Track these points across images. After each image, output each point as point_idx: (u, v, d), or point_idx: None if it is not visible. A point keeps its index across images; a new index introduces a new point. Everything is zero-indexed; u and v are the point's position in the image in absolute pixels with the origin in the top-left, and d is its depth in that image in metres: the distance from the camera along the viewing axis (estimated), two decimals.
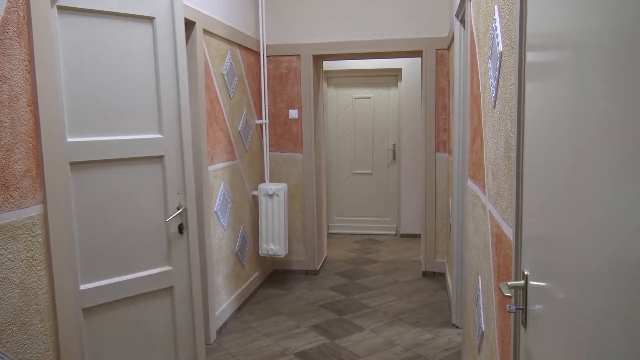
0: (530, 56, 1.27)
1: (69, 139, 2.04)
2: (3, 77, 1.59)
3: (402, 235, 6.30)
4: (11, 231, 1.62)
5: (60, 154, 1.86)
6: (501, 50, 1.70)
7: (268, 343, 3.43)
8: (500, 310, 1.71)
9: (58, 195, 1.84)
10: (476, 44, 2.39)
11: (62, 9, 1.98)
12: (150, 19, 2.27)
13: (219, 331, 3.58)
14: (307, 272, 4.92)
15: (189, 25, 3.16)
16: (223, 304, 3.69)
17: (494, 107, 1.84)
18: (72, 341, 1.92)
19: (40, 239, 1.76)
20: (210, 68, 3.47)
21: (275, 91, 4.76)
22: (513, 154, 1.45)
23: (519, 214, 1.38)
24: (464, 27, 3.13)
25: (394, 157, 6.37)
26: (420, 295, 4.33)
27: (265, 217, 4.28)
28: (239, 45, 4.06)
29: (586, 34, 0.86)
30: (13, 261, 1.63)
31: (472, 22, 2.53)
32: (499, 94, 1.75)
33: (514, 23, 1.48)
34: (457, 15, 3.34)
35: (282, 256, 4.39)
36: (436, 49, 4.54)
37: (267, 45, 4.63)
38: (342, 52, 4.68)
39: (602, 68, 0.78)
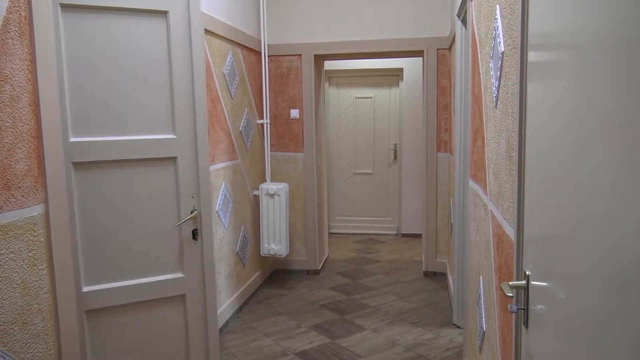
0: (531, 56, 1.27)
1: (72, 139, 2.02)
2: (5, 77, 1.59)
3: (403, 235, 6.29)
4: (13, 230, 1.62)
5: (62, 154, 1.86)
6: (503, 50, 1.70)
7: (269, 343, 3.43)
8: (501, 310, 1.71)
9: (60, 195, 1.84)
10: (477, 44, 2.39)
11: (66, 6, 1.97)
12: (164, 13, 2.15)
13: (220, 331, 3.58)
14: (308, 272, 4.92)
15: None
16: (224, 304, 3.69)
17: (496, 106, 1.83)
18: (74, 341, 1.91)
19: (42, 239, 1.76)
20: (212, 68, 3.48)
21: (277, 91, 4.76)
22: (515, 154, 1.45)
23: (520, 213, 1.38)
24: (466, 27, 3.13)
25: (395, 156, 6.36)
26: (421, 295, 4.32)
27: (266, 217, 4.28)
28: (240, 45, 4.06)
29: (588, 33, 0.86)
30: (14, 260, 1.63)
31: (474, 21, 2.53)
32: (500, 94, 1.75)
33: (515, 23, 1.48)
34: (458, 15, 3.33)
35: (283, 256, 4.39)
36: (437, 49, 4.54)
37: (268, 44, 4.63)
38: (343, 51, 4.68)
39: (603, 68, 0.78)
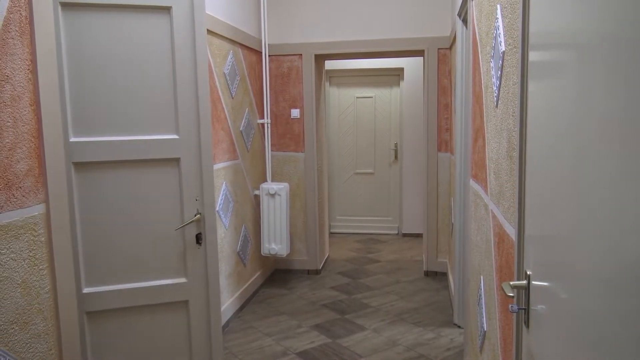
0: (532, 55, 1.27)
1: (73, 139, 2.02)
2: (5, 77, 1.59)
3: (404, 235, 6.29)
4: (13, 230, 1.62)
5: (62, 154, 1.85)
6: (504, 49, 1.69)
7: (270, 342, 3.43)
8: (502, 310, 1.71)
9: (60, 195, 1.83)
10: (478, 43, 2.39)
11: (66, 5, 1.96)
12: (167, 9, 2.10)
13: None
14: (308, 272, 4.92)
15: None
16: (225, 304, 3.69)
17: (497, 106, 1.83)
18: (75, 341, 1.91)
19: (43, 239, 1.76)
20: (213, 67, 3.48)
21: (277, 91, 4.76)
22: (515, 154, 1.45)
23: (521, 213, 1.38)
24: (466, 27, 3.12)
25: (395, 156, 6.36)
26: (422, 294, 4.32)
27: (267, 217, 4.28)
28: (241, 45, 4.06)
29: (589, 33, 0.85)
30: (15, 260, 1.63)
31: (475, 21, 2.53)
32: (501, 93, 1.74)
33: (516, 22, 1.48)
34: (459, 15, 3.33)
35: (284, 256, 4.39)
36: (438, 49, 4.53)
37: (269, 44, 4.63)
38: (344, 51, 4.68)
39: (604, 67, 0.77)
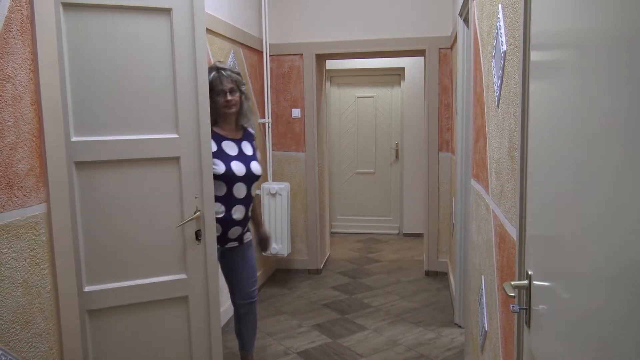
0: (534, 55, 1.27)
1: (74, 139, 2.01)
2: (7, 76, 1.59)
3: (405, 235, 6.29)
4: (14, 230, 1.62)
5: (64, 154, 1.86)
6: (505, 49, 1.69)
7: (270, 342, 3.43)
8: (503, 310, 1.71)
9: (61, 195, 1.84)
10: (479, 43, 2.38)
11: (67, 5, 1.96)
12: (167, 11, 2.11)
13: (222, 330, 3.58)
14: (309, 272, 4.92)
15: None
16: (226, 303, 3.69)
17: (498, 106, 1.83)
18: (76, 340, 1.92)
19: (44, 238, 1.76)
20: None
21: (278, 90, 4.76)
22: (517, 153, 1.45)
23: (522, 213, 1.38)
24: (467, 26, 3.12)
25: (396, 156, 6.36)
26: (423, 294, 4.32)
27: (267, 217, 4.29)
28: (242, 45, 4.06)
29: (590, 32, 0.85)
30: (16, 260, 1.63)
31: (476, 21, 2.53)
32: (502, 93, 1.74)
33: (518, 22, 1.48)
34: (460, 15, 3.33)
35: (285, 255, 4.40)
36: (439, 48, 4.53)
37: (270, 44, 4.63)
38: (344, 51, 4.68)
39: (606, 67, 0.77)
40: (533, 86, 1.27)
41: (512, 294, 1.29)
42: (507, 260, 1.64)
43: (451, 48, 4.38)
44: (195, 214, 2.26)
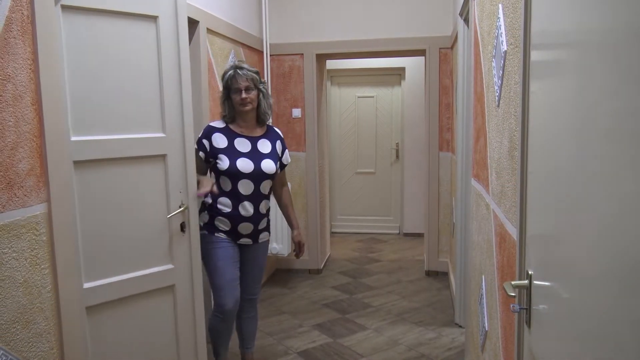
0: (534, 55, 1.27)
1: (73, 138, 2.03)
2: (7, 76, 1.59)
3: (405, 235, 6.29)
4: (15, 230, 1.62)
5: (64, 153, 1.86)
6: (505, 49, 1.69)
7: (271, 342, 3.44)
8: (504, 310, 1.71)
9: (62, 194, 1.84)
10: (480, 43, 2.38)
11: (66, 7, 1.98)
12: (154, 18, 2.25)
13: None
14: (310, 271, 4.92)
15: (193, 24, 3.16)
16: None
17: (498, 106, 1.83)
18: (76, 339, 1.92)
19: (44, 238, 1.77)
20: (214, 67, 3.48)
21: (279, 90, 4.76)
22: (517, 153, 1.45)
23: (522, 213, 1.38)
24: (468, 26, 3.12)
25: (397, 156, 6.36)
26: (423, 294, 4.32)
27: None
28: (242, 44, 4.06)
29: (591, 32, 0.85)
30: (17, 260, 1.64)
31: (476, 21, 2.53)
32: (503, 93, 1.74)
33: (518, 22, 1.48)
34: (460, 14, 3.33)
35: (285, 255, 4.40)
36: (439, 48, 4.53)
37: (270, 44, 4.63)
38: (345, 51, 4.68)
39: (606, 67, 0.77)
40: (533, 86, 1.27)
41: (513, 294, 1.29)
42: (507, 260, 1.64)
43: (451, 48, 4.38)
44: (180, 207, 2.42)
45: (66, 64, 1.99)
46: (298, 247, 2.91)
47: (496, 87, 1.86)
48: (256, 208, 2.66)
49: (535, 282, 1.22)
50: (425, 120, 4.73)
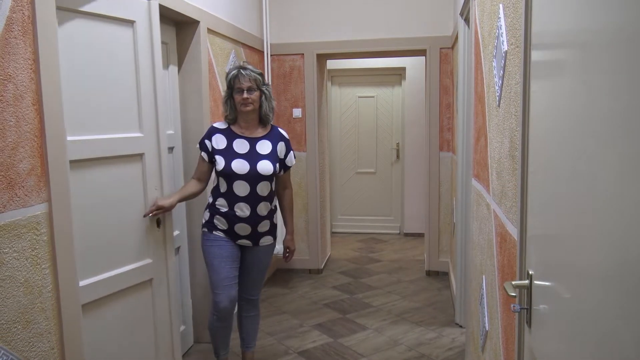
0: (535, 55, 1.27)
1: (69, 138, 2.04)
2: (8, 76, 1.59)
3: (406, 235, 6.29)
4: (16, 230, 1.62)
5: (64, 153, 1.86)
6: (506, 49, 1.69)
7: (271, 342, 3.44)
8: (504, 310, 1.71)
9: (62, 194, 1.84)
10: (480, 43, 2.38)
11: (60, 9, 1.98)
12: (131, 22, 2.34)
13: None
14: (310, 271, 4.92)
15: (193, 24, 3.16)
16: None
17: (499, 106, 1.83)
18: (76, 339, 1.92)
19: (45, 238, 1.77)
20: (214, 67, 3.48)
21: (279, 90, 4.76)
22: (518, 153, 1.45)
23: (523, 213, 1.38)
24: (468, 26, 3.12)
25: (397, 156, 6.36)
26: (423, 294, 4.32)
27: None
28: (243, 44, 4.06)
29: (592, 32, 0.85)
30: (18, 260, 1.64)
31: (477, 20, 2.53)
32: (503, 93, 1.74)
33: (519, 22, 1.48)
34: (461, 14, 3.33)
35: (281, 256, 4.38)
36: (440, 48, 4.53)
37: (270, 44, 4.63)
38: (345, 51, 4.68)
39: (607, 67, 0.77)
40: (534, 86, 1.27)
41: (513, 294, 1.29)
42: (508, 260, 1.64)
43: (452, 48, 4.38)
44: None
45: (62, 64, 2.01)
46: (286, 252, 2.97)
47: (497, 87, 1.86)
48: (253, 209, 2.65)
49: (535, 282, 1.22)
50: (425, 120, 4.73)
